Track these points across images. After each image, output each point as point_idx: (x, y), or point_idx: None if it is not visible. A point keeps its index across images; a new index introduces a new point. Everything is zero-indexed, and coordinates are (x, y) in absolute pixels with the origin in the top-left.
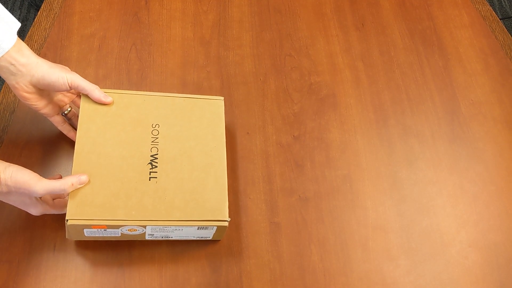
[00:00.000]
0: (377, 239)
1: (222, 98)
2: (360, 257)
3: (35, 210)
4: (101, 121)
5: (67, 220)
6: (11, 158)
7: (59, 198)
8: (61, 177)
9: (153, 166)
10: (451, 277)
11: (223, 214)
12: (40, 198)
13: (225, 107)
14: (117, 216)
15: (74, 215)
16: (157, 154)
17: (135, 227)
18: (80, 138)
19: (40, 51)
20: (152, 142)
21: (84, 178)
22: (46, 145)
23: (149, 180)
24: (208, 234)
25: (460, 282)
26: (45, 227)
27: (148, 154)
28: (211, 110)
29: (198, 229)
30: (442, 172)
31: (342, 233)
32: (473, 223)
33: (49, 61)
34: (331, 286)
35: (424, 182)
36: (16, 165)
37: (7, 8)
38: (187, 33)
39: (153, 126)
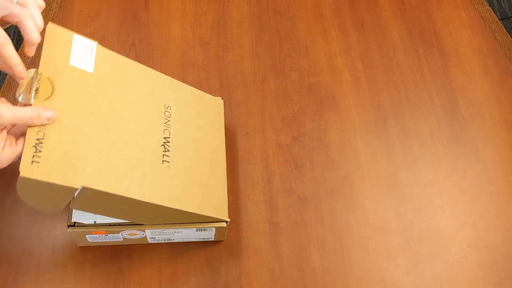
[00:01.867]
0: (376, 239)
1: (220, 97)
2: (359, 257)
3: None
4: (118, 86)
5: (68, 226)
6: None
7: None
8: None
9: (166, 149)
10: (450, 277)
11: (223, 214)
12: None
13: (224, 108)
14: (131, 194)
15: (91, 183)
16: (169, 137)
17: (135, 231)
18: (96, 97)
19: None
20: (165, 124)
21: (51, 114)
22: None
23: (162, 163)
24: (209, 235)
25: (459, 282)
26: (45, 228)
27: (161, 136)
28: (213, 107)
29: (197, 230)
30: (441, 172)
31: (342, 234)
32: (472, 224)
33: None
34: (330, 286)
35: (423, 183)
36: None
37: None
38: (187, 34)
39: (165, 107)
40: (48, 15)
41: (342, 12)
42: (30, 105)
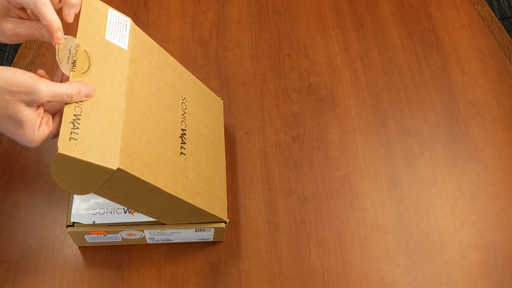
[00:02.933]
0: (376, 239)
1: (220, 98)
2: (359, 257)
3: (31, 131)
4: (147, 68)
5: (67, 226)
6: (9, 158)
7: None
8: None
9: (183, 142)
10: (449, 277)
11: (223, 214)
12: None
13: (224, 107)
14: (157, 182)
15: (126, 166)
16: (185, 129)
17: (134, 232)
18: (130, 77)
19: (39, 52)
20: (182, 115)
21: (90, 90)
22: (45, 145)
23: (180, 155)
24: (208, 236)
25: (458, 282)
26: (44, 227)
27: (179, 127)
28: (215, 106)
29: (196, 231)
30: (440, 172)
31: (341, 233)
32: (472, 223)
33: (48, 62)
34: (330, 286)
35: (423, 183)
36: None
37: None
38: (186, 33)
39: (182, 98)
40: None
41: (342, 11)
42: (68, 76)
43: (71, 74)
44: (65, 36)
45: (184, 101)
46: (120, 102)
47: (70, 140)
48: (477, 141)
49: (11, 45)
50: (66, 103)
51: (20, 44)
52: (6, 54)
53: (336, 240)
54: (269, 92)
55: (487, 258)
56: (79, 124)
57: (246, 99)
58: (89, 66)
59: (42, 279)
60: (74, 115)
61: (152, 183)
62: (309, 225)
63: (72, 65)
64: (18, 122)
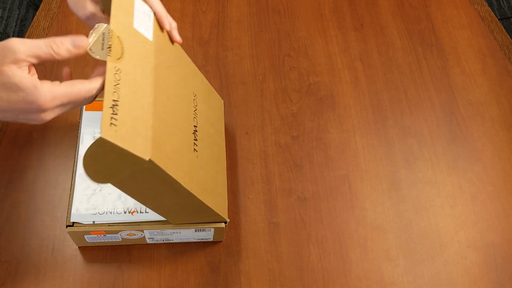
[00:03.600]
0: (375, 239)
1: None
2: (358, 257)
3: (31, 88)
4: (167, 61)
5: (67, 226)
6: (10, 158)
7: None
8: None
9: (195, 138)
10: (449, 277)
11: (224, 214)
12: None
13: (224, 107)
14: (178, 177)
15: (156, 156)
16: (197, 126)
17: (134, 232)
18: (156, 68)
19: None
20: (194, 111)
21: (80, 40)
22: (46, 145)
23: (193, 151)
24: (208, 236)
25: (458, 282)
26: (44, 227)
27: (192, 123)
28: (217, 105)
29: (195, 231)
30: (440, 172)
31: (341, 233)
32: (472, 223)
33: (47, 62)
34: (329, 286)
35: (422, 183)
36: None
37: (5, 7)
38: (186, 33)
39: (194, 95)
40: (48, 14)
41: (342, 11)
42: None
43: (108, 59)
44: (97, 24)
45: (195, 98)
46: (149, 92)
47: (111, 125)
48: (477, 141)
49: None
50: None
51: None
52: None
53: (336, 240)
54: (269, 92)
55: (487, 258)
56: (117, 110)
57: (246, 99)
58: (122, 53)
59: (42, 279)
60: (113, 100)
61: (175, 177)
62: (309, 225)
63: (108, 49)
64: (14, 85)
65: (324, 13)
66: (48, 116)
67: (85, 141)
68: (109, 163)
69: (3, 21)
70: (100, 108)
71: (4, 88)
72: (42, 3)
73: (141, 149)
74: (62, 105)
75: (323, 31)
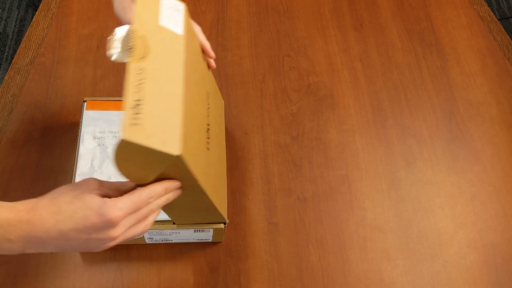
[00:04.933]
0: (375, 239)
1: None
2: (358, 257)
3: (100, 202)
4: (194, 57)
5: None
6: (9, 158)
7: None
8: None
9: (208, 136)
10: (449, 277)
11: (225, 215)
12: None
13: (224, 107)
14: (198, 174)
15: (184, 154)
16: (209, 125)
17: None
18: (184, 63)
19: (38, 51)
20: (207, 109)
21: (170, 184)
22: (45, 145)
23: (207, 149)
24: (207, 236)
25: (458, 282)
26: None
27: (206, 121)
28: (220, 105)
29: (195, 231)
30: (440, 172)
31: (340, 233)
32: (471, 223)
33: (47, 62)
34: (329, 286)
35: (422, 183)
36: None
37: (5, 7)
38: None
39: (207, 94)
40: (47, 14)
41: (341, 11)
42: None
43: (129, 60)
44: (119, 27)
45: (208, 97)
46: (179, 87)
47: (132, 126)
48: (477, 141)
49: (10, 45)
50: (127, 106)
51: (20, 43)
52: (6, 54)
53: (335, 240)
54: (269, 92)
55: (486, 258)
56: (142, 109)
57: (246, 99)
58: (147, 51)
59: (42, 279)
60: (136, 100)
61: (195, 175)
62: (309, 225)
63: (129, 51)
64: (87, 202)
65: (324, 13)
66: (118, 231)
67: (85, 141)
68: (141, 163)
69: (3, 21)
70: (100, 108)
71: (79, 207)
72: (42, 3)
73: (170, 145)
74: (130, 213)
75: (323, 31)
